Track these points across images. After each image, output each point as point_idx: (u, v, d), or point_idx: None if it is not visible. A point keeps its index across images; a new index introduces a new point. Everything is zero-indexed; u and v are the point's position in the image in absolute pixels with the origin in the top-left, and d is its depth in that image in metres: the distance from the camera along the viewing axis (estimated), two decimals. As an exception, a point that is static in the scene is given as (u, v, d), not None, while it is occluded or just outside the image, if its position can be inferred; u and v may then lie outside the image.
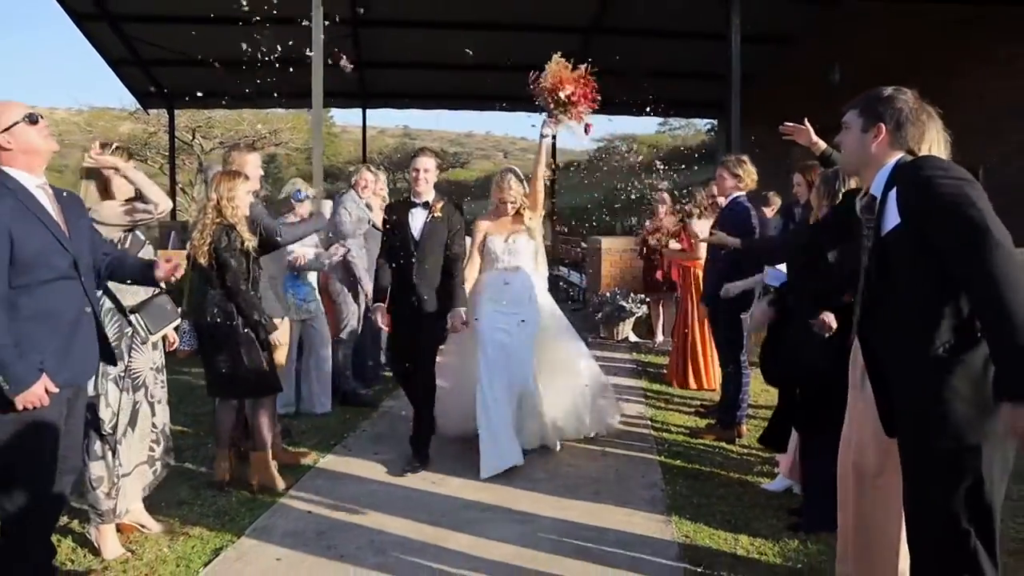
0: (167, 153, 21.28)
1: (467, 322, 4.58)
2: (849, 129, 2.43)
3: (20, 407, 2.61)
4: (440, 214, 4.61)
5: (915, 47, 10.85)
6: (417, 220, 4.61)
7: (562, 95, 4.53)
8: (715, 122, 21.77)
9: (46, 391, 2.68)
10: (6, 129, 2.71)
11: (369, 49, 14.46)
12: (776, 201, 7.05)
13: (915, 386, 2.19)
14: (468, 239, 5.02)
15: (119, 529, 3.67)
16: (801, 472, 3.72)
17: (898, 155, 2.34)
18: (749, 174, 4.97)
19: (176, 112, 17.20)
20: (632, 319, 8.96)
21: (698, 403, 6.12)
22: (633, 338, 8.95)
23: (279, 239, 4.60)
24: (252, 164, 4.71)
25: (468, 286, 4.81)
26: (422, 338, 4.62)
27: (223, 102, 14.90)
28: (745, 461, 4.71)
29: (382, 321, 4.74)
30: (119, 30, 13.56)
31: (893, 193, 2.24)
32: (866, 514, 2.84)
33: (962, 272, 2.03)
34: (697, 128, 30.14)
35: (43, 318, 2.70)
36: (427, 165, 4.64)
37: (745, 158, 5.04)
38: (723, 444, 5.00)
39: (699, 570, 3.27)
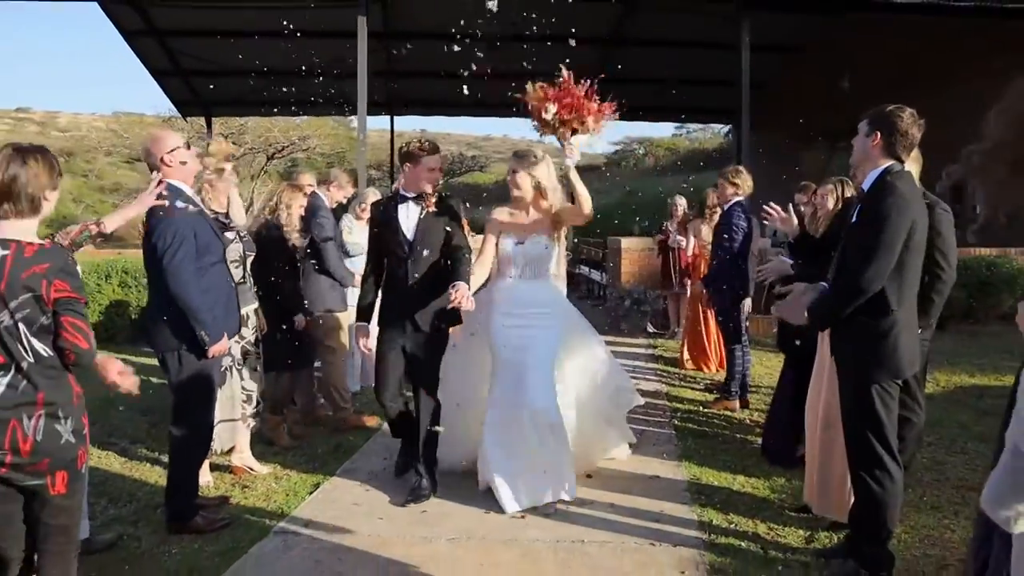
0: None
1: (466, 303, 3.86)
2: (858, 134, 3.21)
3: (211, 356, 3.59)
4: (435, 208, 4.16)
5: (916, 57, 11.68)
6: (410, 216, 4.15)
7: (548, 117, 3.96)
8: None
9: None
10: (169, 151, 3.69)
11: (398, 60, 15.48)
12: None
13: (847, 343, 3.10)
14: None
15: (232, 471, 4.67)
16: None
17: (889, 162, 3.12)
18: (745, 181, 5.90)
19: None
20: (650, 312, 9.88)
21: (707, 381, 7.03)
22: (651, 329, 9.86)
23: (322, 259, 5.48)
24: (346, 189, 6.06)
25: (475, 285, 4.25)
26: (422, 356, 4.16)
27: (260, 110, 15.98)
28: (746, 425, 5.63)
29: (363, 344, 4.35)
30: (164, 44, 14.66)
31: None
32: (823, 461, 3.74)
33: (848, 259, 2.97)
34: (714, 131, 30.91)
35: (212, 291, 3.69)
36: (439, 164, 4.21)
37: (741, 168, 6.00)
38: (727, 412, 5.92)
39: (703, 498, 4.19)
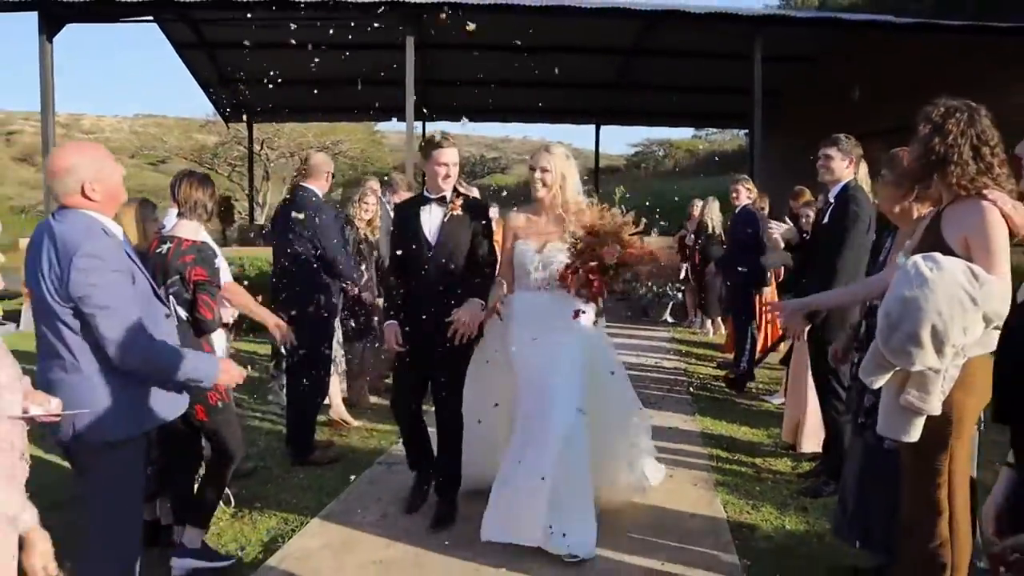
0: (233, 163, 23.97)
1: (469, 322, 3.76)
2: (832, 158, 4.42)
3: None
4: (459, 212, 3.96)
5: (924, 70, 12.71)
6: (432, 219, 3.96)
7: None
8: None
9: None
10: (331, 170, 4.99)
11: (430, 68, 16.73)
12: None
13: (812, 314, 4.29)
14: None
15: (329, 423, 5.89)
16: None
17: (850, 176, 4.37)
18: (752, 188, 7.21)
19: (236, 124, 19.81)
20: (670, 304, 11.09)
21: (720, 360, 8.19)
22: (670, 319, 11.06)
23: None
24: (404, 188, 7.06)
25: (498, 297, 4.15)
26: (443, 368, 3.96)
27: (299, 116, 17.34)
28: (751, 393, 6.82)
29: (396, 342, 4.01)
30: (212, 56, 16.00)
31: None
32: (797, 405, 4.93)
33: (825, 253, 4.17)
34: (734, 133, 31.93)
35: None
36: (454, 158, 3.95)
37: (747, 177, 7.26)
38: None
39: (712, 441, 5.39)
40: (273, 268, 5.32)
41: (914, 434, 2.47)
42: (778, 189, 9.60)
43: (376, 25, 12.76)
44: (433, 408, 4.17)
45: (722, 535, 3.86)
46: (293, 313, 4.86)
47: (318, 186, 5.05)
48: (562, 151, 4.04)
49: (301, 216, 4.94)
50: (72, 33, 11.56)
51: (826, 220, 4.42)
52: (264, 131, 21.44)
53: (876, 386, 2.52)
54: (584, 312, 3.92)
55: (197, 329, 3.58)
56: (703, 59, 14.76)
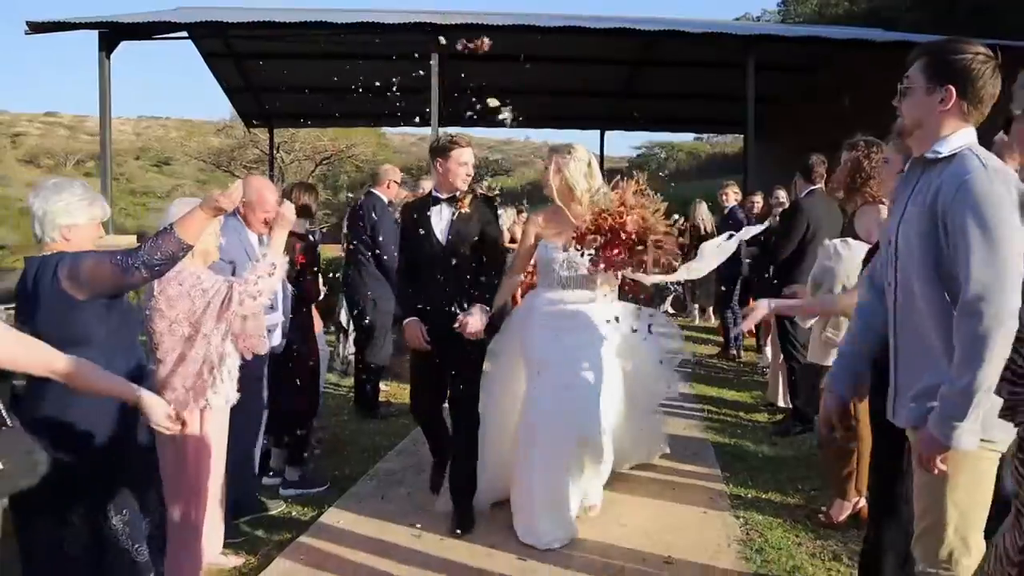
0: (249, 166, 25.30)
1: (478, 329, 3.89)
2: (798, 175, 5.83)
3: None
4: (468, 209, 4.06)
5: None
6: (442, 218, 4.08)
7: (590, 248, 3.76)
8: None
9: None
10: (393, 181, 6.27)
11: (450, 77, 18.00)
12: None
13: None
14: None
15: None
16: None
17: (814, 186, 5.71)
18: (740, 192, 8.53)
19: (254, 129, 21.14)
20: (670, 296, 12.36)
21: (712, 342, 9.53)
22: (670, 311, 12.36)
23: None
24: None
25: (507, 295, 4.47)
26: (457, 365, 4.03)
27: (319, 121, 18.59)
28: (739, 370, 8.15)
29: (420, 338, 4.04)
30: (238, 65, 17.26)
31: None
32: (776, 370, 6.24)
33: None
34: (736, 136, 33.23)
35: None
36: (472, 159, 4.06)
37: (734, 182, 8.59)
38: (727, 360, 8.43)
39: (704, 401, 6.70)
40: (346, 261, 6.63)
41: (831, 361, 3.77)
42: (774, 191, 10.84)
43: (406, 41, 13.96)
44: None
45: (708, 457, 5.20)
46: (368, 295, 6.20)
47: (382, 191, 6.36)
48: (565, 149, 4.09)
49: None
50: (75, 36, 13.01)
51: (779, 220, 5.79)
52: (281, 135, 22.75)
53: (807, 326, 3.83)
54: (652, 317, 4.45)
55: (303, 302, 4.80)
56: (702, 68, 16.01)
